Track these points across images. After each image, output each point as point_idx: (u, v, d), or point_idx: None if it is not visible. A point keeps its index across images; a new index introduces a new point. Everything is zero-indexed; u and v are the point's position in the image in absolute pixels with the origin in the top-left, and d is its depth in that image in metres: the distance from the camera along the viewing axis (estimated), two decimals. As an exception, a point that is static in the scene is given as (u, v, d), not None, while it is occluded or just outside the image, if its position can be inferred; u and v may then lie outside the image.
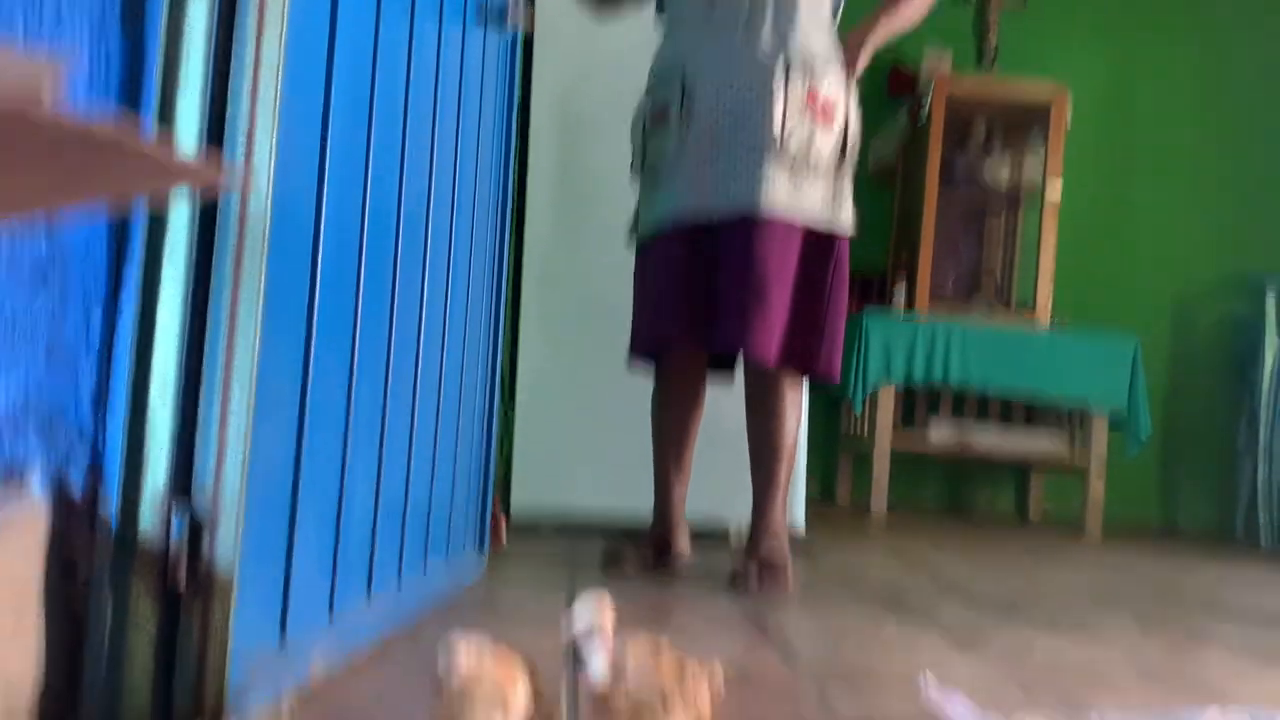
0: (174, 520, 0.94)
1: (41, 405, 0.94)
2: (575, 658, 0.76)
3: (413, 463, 1.53)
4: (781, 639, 1.65)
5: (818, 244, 2.14)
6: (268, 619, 1.08)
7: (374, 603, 1.40)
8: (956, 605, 2.11)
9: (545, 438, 2.82)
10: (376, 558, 1.40)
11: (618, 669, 0.78)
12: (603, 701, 0.81)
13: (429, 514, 1.65)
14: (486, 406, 2.05)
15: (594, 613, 0.79)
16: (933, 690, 1.06)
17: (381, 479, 1.39)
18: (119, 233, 0.95)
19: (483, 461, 2.04)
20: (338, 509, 1.25)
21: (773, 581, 2.06)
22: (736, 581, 2.06)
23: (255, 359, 0.96)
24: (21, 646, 0.86)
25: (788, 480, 2.20)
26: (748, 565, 2.09)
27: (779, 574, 2.07)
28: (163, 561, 0.93)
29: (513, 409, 2.85)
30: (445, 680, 0.86)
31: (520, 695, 0.83)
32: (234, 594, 0.94)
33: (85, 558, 0.93)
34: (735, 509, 2.69)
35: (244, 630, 1.00)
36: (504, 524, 2.44)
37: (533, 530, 2.82)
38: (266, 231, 0.97)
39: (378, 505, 1.38)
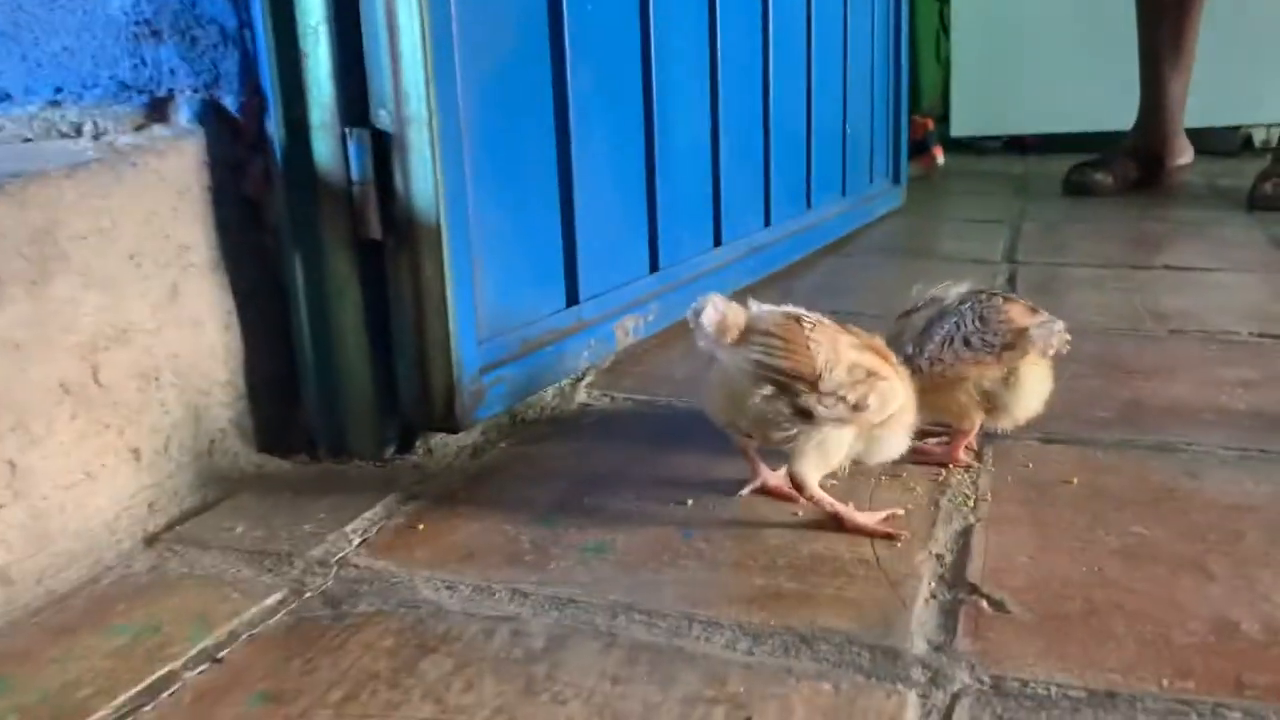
0: (350, 144, 0.67)
1: (173, 3, 0.69)
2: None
3: (772, 74, 1.15)
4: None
5: None
6: (536, 276, 0.81)
7: (726, 250, 1.09)
8: None
9: (989, 34, 2.22)
10: (724, 196, 1.07)
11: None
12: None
13: (807, 141, 1.28)
14: (893, 6, 1.57)
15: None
16: None
17: (719, 95, 1.04)
18: None
19: (889, 74, 1.58)
20: (646, 134, 0.92)
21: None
22: (1259, 198, 1.47)
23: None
24: (185, 318, 0.66)
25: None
26: (1277, 177, 1.47)
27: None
28: (348, 202, 0.68)
29: (948, 7, 2.28)
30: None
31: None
32: (444, 241, 0.67)
33: (268, 197, 0.70)
34: (1259, 109, 1.98)
35: (490, 291, 0.74)
36: (937, 147, 1.99)
37: (976, 149, 2.33)
38: None
39: (717, 130, 1.04)
